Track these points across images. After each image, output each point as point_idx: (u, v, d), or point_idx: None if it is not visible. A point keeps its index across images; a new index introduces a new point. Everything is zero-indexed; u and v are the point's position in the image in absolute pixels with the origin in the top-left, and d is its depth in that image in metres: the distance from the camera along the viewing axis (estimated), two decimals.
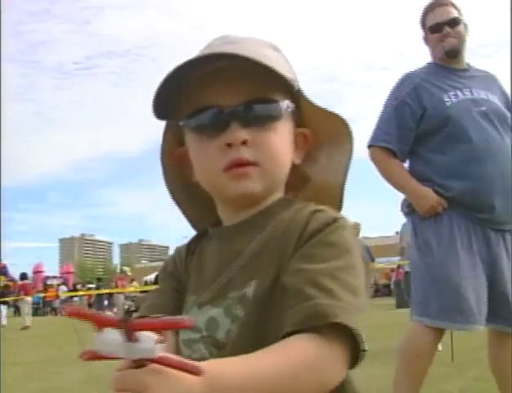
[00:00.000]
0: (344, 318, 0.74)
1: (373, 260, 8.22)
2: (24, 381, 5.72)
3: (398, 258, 10.16)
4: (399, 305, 12.78)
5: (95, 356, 0.63)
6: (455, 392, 4.48)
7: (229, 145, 0.87)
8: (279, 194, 0.96)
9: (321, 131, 0.97)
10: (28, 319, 15.55)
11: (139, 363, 0.61)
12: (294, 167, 0.96)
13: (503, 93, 2.90)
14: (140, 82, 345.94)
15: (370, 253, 8.21)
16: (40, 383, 5.71)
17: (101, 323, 0.61)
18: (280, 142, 0.91)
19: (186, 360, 0.62)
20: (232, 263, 0.90)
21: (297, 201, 0.96)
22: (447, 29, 2.84)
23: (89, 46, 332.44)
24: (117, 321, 0.59)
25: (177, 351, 0.90)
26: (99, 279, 32.55)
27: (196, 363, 0.61)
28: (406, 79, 2.85)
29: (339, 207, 0.99)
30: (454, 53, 2.85)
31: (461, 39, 2.87)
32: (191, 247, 1.01)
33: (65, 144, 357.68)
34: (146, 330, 0.59)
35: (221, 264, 0.92)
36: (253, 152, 0.88)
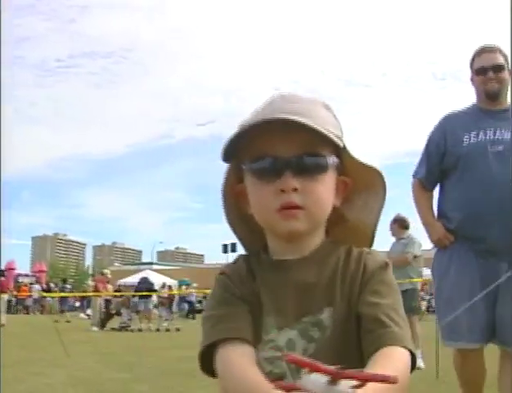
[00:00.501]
0: (407, 343, 0.99)
1: None
2: (8, 382, 5.71)
3: None
4: None
5: (292, 388, 0.77)
6: None
7: (282, 190, 1.03)
8: (321, 230, 1.12)
9: (360, 180, 1.13)
10: (3, 317, 15.44)
11: None
12: (334, 208, 1.11)
13: None
14: (123, 84, 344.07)
15: None
16: (24, 385, 5.68)
17: (319, 370, 0.75)
18: (325, 191, 1.07)
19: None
20: (305, 293, 1.07)
21: (339, 242, 1.14)
22: (491, 73, 3.08)
23: (73, 44, 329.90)
24: (335, 372, 0.73)
25: (259, 367, 1.00)
26: (64, 280, 32.52)
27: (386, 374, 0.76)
28: (443, 119, 3.19)
29: (370, 245, 1.17)
30: (493, 96, 3.10)
31: (503, 84, 3.11)
32: (246, 269, 1.13)
33: (44, 142, 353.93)
34: (355, 380, 0.73)
35: (294, 293, 1.07)
36: (301, 198, 1.03)
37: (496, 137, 3.00)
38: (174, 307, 20.11)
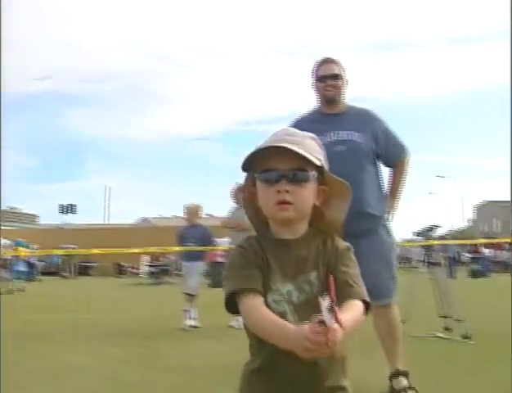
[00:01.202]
0: (364, 297, 1.55)
1: (213, 243, 8.81)
2: None
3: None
4: (214, 285, 14.64)
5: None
6: None
7: (279, 191, 1.56)
8: (305, 221, 1.65)
9: (334, 189, 1.67)
10: None
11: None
12: (316, 207, 1.64)
13: (373, 128, 3.79)
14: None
15: (209, 234, 8.68)
16: None
17: (331, 296, 1.30)
18: (307, 193, 1.59)
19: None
20: (298, 261, 1.60)
21: (320, 230, 1.68)
22: (329, 81, 3.76)
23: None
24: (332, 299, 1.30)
25: (267, 306, 1.54)
26: None
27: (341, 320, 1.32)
28: (293, 123, 3.82)
29: (340, 233, 1.71)
30: (331, 101, 3.79)
31: (338, 91, 3.79)
32: (257, 245, 1.64)
33: None
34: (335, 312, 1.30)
35: (291, 260, 1.60)
36: (291, 197, 1.56)
37: (338, 138, 3.66)
38: (16, 268, 19.57)
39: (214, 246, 8.62)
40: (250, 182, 1.66)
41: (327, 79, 3.78)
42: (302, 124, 3.82)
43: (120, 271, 28.06)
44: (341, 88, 3.82)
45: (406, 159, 3.96)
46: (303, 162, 1.57)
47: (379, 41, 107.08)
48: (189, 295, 8.15)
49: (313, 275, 1.59)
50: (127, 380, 4.31)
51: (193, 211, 8.46)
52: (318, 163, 1.60)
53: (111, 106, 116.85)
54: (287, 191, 1.56)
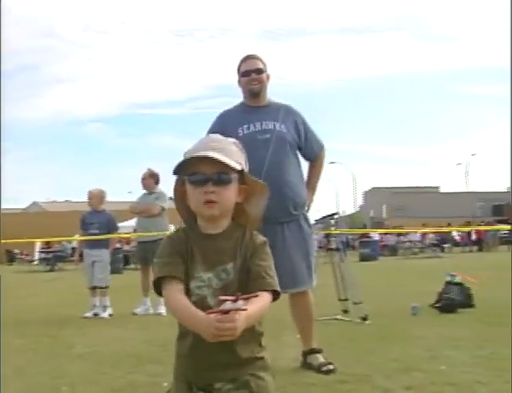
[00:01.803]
0: (274, 286, 1.81)
1: (117, 229, 8.59)
2: None
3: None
4: (112, 271, 14.21)
5: (219, 311, 1.59)
6: None
7: (205, 192, 1.80)
8: (229, 216, 1.89)
9: (253, 188, 1.93)
10: None
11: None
12: (238, 203, 1.89)
13: (296, 122, 4.03)
14: None
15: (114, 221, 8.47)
16: None
17: (228, 299, 1.61)
18: (230, 193, 1.84)
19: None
20: (219, 253, 1.84)
21: (240, 225, 1.92)
22: (253, 75, 3.96)
23: None
24: (236, 297, 1.60)
25: (188, 292, 1.80)
26: None
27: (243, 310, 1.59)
28: (220, 116, 4.04)
29: (257, 226, 1.96)
30: (256, 94, 4.00)
31: (262, 84, 4.00)
32: (186, 237, 1.89)
33: None
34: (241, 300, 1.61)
35: (213, 252, 1.85)
36: (216, 197, 1.80)
37: (263, 127, 3.89)
38: None
39: (118, 232, 8.39)
40: (180, 183, 1.91)
41: (252, 73, 3.98)
42: (230, 114, 4.05)
43: (11, 258, 26.92)
44: (265, 82, 4.04)
45: (323, 153, 4.24)
46: (226, 166, 1.81)
47: (268, 28, 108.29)
48: (98, 288, 7.85)
49: (230, 265, 1.84)
50: (38, 370, 4.23)
51: (97, 196, 8.16)
52: (238, 167, 1.85)
53: (5, 85, 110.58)
54: (212, 192, 1.81)
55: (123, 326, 6.69)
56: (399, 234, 30.34)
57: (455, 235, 32.48)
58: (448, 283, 7.05)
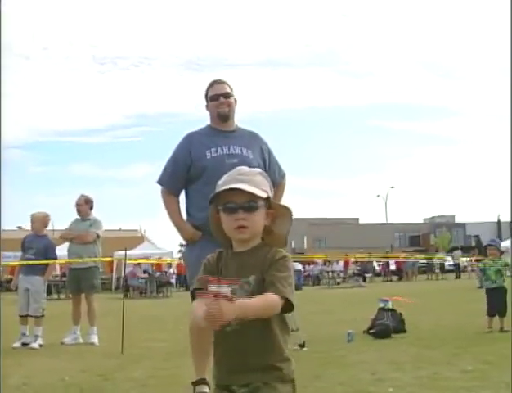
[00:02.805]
0: (286, 295, 1.92)
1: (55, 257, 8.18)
2: None
3: None
4: None
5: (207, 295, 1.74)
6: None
7: (236, 219, 2.02)
8: (258, 237, 2.10)
9: (280, 211, 2.14)
10: None
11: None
12: (266, 226, 2.09)
13: (261, 149, 4.14)
14: None
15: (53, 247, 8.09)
16: None
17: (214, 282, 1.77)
18: (259, 219, 2.06)
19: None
20: (244, 267, 2.04)
21: (267, 244, 2.11)
22: (222, 99, 4.02)
23: None
24: (217, 280, 1.79)
25: None
26: None
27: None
28: (186, 137, 4.08)
29: (284, 245, 2.14)
30: (225, 117, 4.06)
31: (231, 108, 4.08)
32: (218, 257, 2.13)
33: None
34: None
35: (239, 268, 2.05)
36: (246, 222, 2.02)
37: (231, 152, 3.95)
38: None
39: (55, 260, 8.03)
40: (215, 211, 2.14)
41: (220, 96, 4.05)
42: (196, 136, 4.08)
43: None
44: (233, 106, 4.13)
45: (284, 181, 4.36)
46: (254, 195, 2.04)
47: (197, 59, 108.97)
48: (30, 317, 7.43)
49: (252, 278, 2.03)
50: None
51: (40, 220, 7.76)
52: (264, 195, 2.08)
53: None
54: (243, 219, 2.03)
55: (56, 356, 6.46)
56: (323, 264, 30.91)
57: (376, 265, 33.42)
58: (381, 309, 7.29)
